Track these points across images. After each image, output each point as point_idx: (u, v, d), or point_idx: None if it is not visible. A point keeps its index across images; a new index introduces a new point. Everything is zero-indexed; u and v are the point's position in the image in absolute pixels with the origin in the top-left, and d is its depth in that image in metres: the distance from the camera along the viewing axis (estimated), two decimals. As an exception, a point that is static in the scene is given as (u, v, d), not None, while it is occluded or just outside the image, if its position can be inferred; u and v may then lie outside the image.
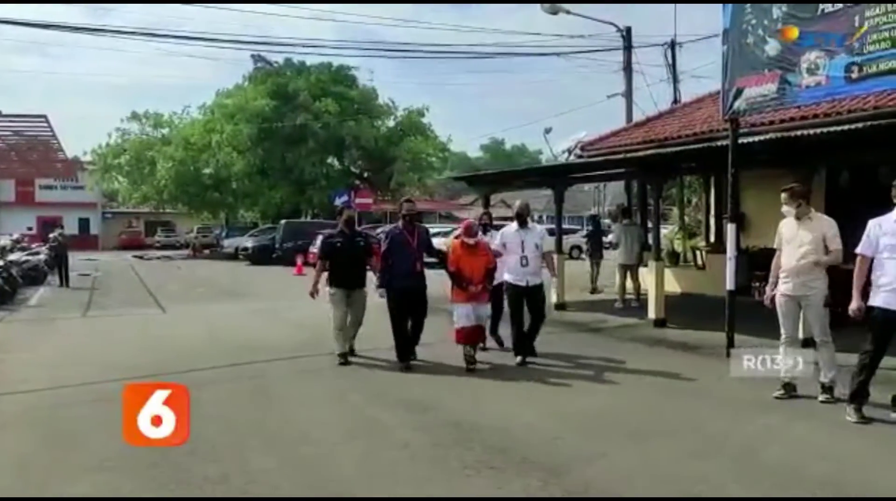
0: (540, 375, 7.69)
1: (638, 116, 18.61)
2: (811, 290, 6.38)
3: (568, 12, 18.98)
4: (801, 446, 5.36)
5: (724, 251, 9.67)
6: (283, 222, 32.23)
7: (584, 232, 22.62)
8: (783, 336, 6.60)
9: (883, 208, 5.81)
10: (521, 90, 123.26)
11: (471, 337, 7.96)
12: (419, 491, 4.49)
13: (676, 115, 16.35)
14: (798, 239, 6.44)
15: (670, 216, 26.27)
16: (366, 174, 41.15)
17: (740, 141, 9.06)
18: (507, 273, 8.35)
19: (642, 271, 13.06)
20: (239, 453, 5.20)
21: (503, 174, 16.53)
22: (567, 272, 13.53)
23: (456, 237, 8.47)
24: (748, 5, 8.46)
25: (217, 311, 14.37)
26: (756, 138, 9.79)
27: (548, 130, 30.38)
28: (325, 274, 8.57)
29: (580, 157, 16.96)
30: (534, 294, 8.35)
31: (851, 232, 6.12)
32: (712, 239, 15.62)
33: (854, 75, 7.44)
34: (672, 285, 14.05)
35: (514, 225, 8.51)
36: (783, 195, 6.61)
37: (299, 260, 24.10)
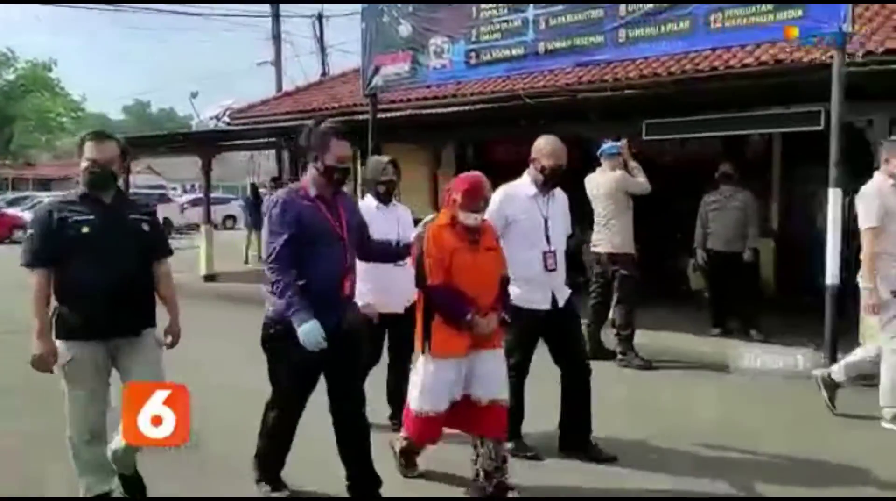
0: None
1: (288, 86, 18.71)
2: None
3: (213, -28, 18.26)
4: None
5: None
6: None
7: (241, 202, 22.22)
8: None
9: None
10: (170, 51, 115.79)
11: (433, 431, 3.92)
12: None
13: (324, 87, 16.72)
14: None
15: (322, 186, 27.02)
16: (-23, 134, 35.46)
17: (381, 116, 9.64)
18: (512, 285, 4.09)
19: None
20: None
21: (145, 139, 15.41)
22: (220, 242, 13.25)
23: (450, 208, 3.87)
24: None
25: None
26: (394, 114, 10.49)
27: (194, 95, 28.92)
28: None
29: (229, 124, 16.54)
30: (568, 323, 4.49)
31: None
32: (360, 208, 16.40)
33: (473, 61, 8.35)
34: (322, 253, 14.49)
35: (523, 186, 4.44)
36: None
37: None
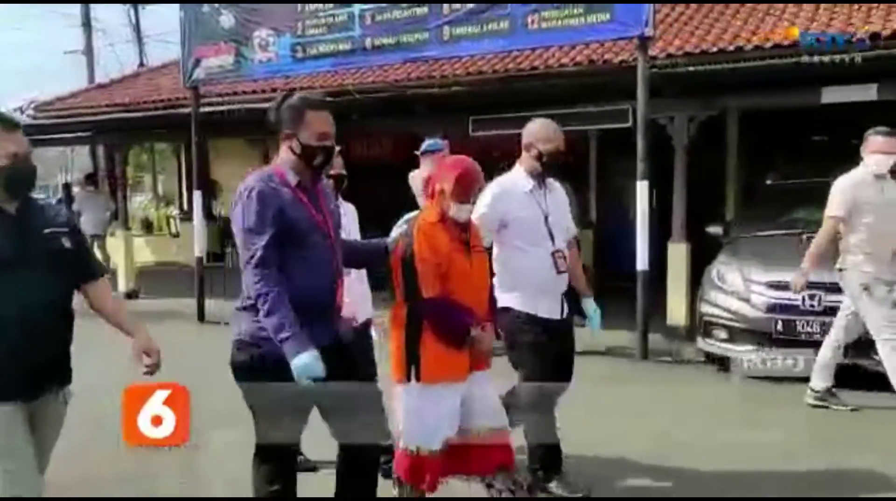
0: None
1: (102, 78, 17.55)
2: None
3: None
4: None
5: (194, 219, 9.83)
6: None
7: (55, 202, 20.56)
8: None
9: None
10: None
11: (425, 474, 3.18)
12: None
13: (143, 79, 15.79)
14: (892, 209, 4.76)
15: (145, 184, 25.56)
16: None
17: (206, 110, 9.26)
18: (513, 291, 3.69)
19: (111, 241, 12.48)
20: None
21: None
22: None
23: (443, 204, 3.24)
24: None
25: None
26: (220, 108, 10.11)
27: (-6, 86, 26.41)
28: None
29: (35, 118, 15.25)
30: (568, 335, 3.91)
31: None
32: (186, 207, 15.72)
33: (299, 55, 8.23)
34: (146, 255, 13.74)
35: (518, 180, 3.81)
36: (886, 139, 4.80)
37: None
